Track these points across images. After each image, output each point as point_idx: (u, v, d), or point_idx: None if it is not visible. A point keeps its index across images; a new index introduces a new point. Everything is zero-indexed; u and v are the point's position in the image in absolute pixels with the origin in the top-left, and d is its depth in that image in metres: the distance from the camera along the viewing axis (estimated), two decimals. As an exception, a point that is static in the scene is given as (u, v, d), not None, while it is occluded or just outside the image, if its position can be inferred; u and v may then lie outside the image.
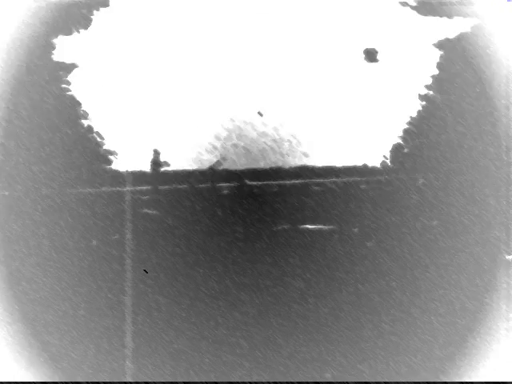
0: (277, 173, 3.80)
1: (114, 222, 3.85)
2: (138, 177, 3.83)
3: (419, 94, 3.96)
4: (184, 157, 3.83)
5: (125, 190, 3.80)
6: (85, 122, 3.86)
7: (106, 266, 3.87)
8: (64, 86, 3.78)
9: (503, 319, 3.82)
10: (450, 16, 3.97)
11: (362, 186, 3.89)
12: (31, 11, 3.91)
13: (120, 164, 3.83)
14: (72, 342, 3.82)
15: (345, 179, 3.83)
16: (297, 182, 3.81)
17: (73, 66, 3.96)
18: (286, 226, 3.79)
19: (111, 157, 3.82)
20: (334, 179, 3.84)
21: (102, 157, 3.80)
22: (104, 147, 3.80)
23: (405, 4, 3.97)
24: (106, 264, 3.87)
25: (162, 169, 3.73)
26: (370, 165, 3.89)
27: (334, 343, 3.81)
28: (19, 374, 3.81)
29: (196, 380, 3.80)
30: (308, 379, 3.79)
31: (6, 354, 3.82)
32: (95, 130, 3.84)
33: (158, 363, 3.81)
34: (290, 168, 3.82)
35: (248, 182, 3.56)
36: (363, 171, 3.90)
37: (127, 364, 3.81)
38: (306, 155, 3.90)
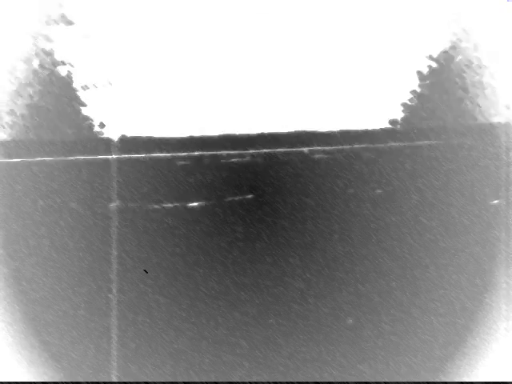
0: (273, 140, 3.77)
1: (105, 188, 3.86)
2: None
3: (418, 94, 3.96)
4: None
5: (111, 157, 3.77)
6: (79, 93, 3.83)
7: (105, 266, 3.87)
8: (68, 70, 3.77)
9: (503, 319, 3.82)
10: (450, 15, 3.98)
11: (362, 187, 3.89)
12: (31, 9, 3.91)
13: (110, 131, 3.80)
14: (72, 342, 3.83)
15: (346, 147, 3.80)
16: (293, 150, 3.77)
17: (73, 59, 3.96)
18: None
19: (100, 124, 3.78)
20: (334, 147, 3.80)
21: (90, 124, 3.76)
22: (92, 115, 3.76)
23: (406, 3, 3.97)
24: (106, 264, 3.87)
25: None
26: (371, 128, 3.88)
27: (334, 343, 3.81)
28: (19, 374, 3.81)
29: (196, 380, 3.80)
30: (308, 379, 3.79)
31: (6, 354, 3.82)
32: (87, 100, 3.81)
33: (158, 363, 3.82)
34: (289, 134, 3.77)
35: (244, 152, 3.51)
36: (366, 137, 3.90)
37: (127, 364, 3.82)
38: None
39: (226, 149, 3.65)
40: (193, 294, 3.86)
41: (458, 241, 3.86)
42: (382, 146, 3.82)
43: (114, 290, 3.85)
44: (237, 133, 3.74)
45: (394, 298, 3.83)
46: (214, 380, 3.79)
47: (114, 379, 3.80)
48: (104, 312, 3.84)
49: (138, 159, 3.77)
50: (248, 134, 3.70)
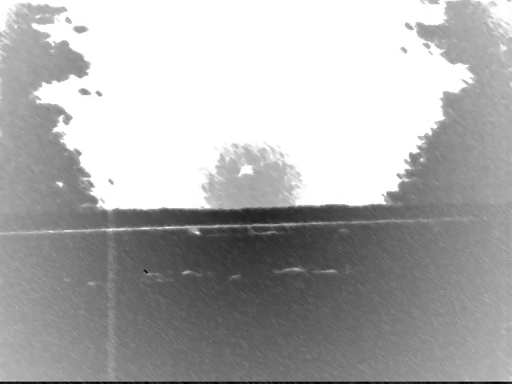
0: (275, 214, 3.81)
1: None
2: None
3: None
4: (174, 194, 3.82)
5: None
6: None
7: (105, 267, 3.87)
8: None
9: (503, 319, 3.82)
10: (450, 16, 3.97)
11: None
12: (31, 12, 3.91)
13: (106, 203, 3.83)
14: (72, 342, 3.83)
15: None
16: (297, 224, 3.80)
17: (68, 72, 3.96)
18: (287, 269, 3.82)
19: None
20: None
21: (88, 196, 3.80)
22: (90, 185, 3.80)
23: (408, 18, 3.97)
24: (106, 265, 3.87)
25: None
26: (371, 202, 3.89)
27: (334, 343, 3.81)
28: (19, 374, 3.82)
29: (196, 380, 3.80)
30: (308, 379, 3.79)
31: (6, 354, 3.82)
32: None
33: (158, 363, 3.82)
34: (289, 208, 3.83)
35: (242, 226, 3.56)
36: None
37: (127, 364, 3.82)
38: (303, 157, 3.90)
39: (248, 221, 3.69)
40: (193, 294, 3.86)
41: (458, 241, 3.86)
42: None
43: (114, 290, 3.85)
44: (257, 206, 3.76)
45: (394, 298, 3.83)
46: (214, 380, 3.79)
47: (114, 379, 3.80)
48: (104, 312, 3.84)
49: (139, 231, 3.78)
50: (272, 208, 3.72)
